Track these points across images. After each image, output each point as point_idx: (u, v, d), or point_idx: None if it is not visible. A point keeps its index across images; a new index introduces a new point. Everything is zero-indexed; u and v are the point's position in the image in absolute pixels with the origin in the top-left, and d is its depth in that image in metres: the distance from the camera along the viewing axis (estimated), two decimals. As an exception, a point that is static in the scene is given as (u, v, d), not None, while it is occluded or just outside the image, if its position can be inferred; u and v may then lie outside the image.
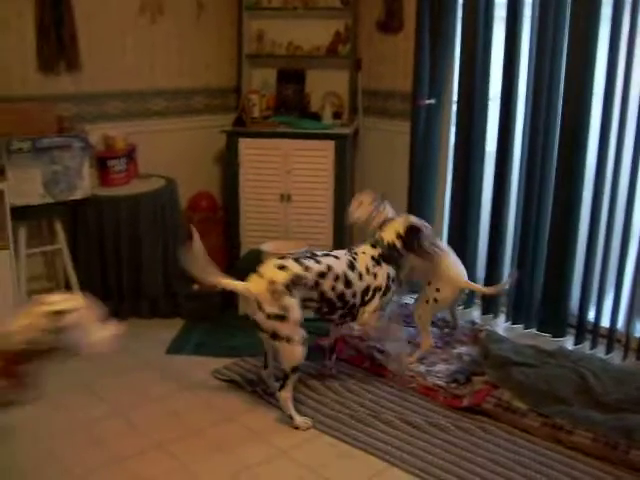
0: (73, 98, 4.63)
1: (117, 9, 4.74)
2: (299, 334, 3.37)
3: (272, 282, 3.37)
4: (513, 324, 4.56)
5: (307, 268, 3.46)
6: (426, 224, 3.87)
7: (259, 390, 3.71)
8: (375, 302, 3.66)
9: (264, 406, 3.60)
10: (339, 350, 4.14)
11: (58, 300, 2.45)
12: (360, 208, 4.12)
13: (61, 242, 4.44)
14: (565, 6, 3.98)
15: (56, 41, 4.41)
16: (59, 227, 4.42)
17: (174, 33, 5.08)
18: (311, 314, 3.65)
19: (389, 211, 4.09)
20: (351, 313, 3.67)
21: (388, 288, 3.70)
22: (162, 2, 4.94)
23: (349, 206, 4.19)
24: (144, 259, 4.55)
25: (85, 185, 4.38)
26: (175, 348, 4.24)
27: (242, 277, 4.62)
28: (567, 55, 4.02)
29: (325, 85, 5.36)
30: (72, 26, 4.44)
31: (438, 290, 4.00)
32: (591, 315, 4.23)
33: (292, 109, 5.34)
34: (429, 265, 3.94)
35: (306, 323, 4.52)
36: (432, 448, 3.20)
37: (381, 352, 4.06)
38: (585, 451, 3.17)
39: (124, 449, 3.21)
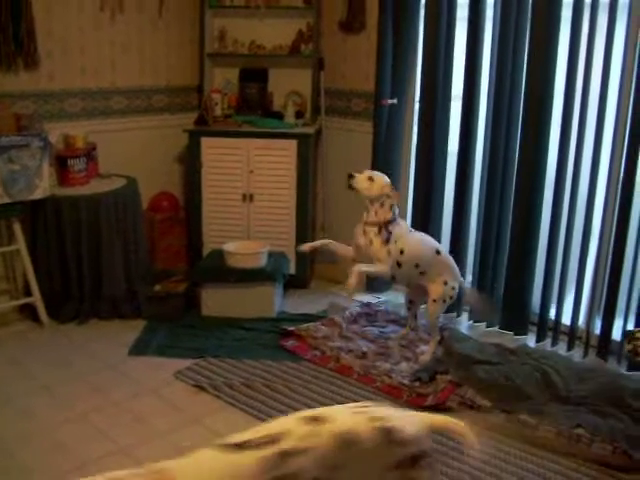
0: (32, 96, 4.54)
1: (77, 6, 4.66)
2: None
3: None
4: (476, 322, 4.60)
5: None
6: None
7: (222, 393, 3.68)
8: None
9: (228, 408, 3.57)
10: (303, 351, 4.14)
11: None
12: (371, 184, 3.94)
13: (20, 243, 4.35)
14: (526, 7, 4.03)
15: (13, 38, 4.31)
16: (18, 227, 4.34)
17: (135, 31, 5.02)
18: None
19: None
20: None
21: None
22: (123, -1, 4.88)
23: (354, 175, 3.98)
24: (105, 260, 4.49)
25: (44, 185, 4.30)
26: (137, 349, 4.18)
27: (204, 278, 4.61)
28: (528, 55, 4.07)
29: (288, 84, 5.34)
30: (30, 23, 4.35)
31: (446, 283, 4.01)
32: (552, 313, 4.29)
33: (254, 108, 5.31)
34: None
35: (273, 323, 4.53)
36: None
37: (348, 352, 4.08)
38: (549, 446, 3.21)
39: (87, 454, 3.16)
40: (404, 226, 4.03)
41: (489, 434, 3.32)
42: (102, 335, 4.35)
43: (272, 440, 1.83)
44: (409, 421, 2.01)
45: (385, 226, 3.90)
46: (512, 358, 3.86)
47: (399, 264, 3.93)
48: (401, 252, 3.91)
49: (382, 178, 3.96)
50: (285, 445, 1.81)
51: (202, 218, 5.09)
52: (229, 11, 5.26)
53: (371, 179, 3.93)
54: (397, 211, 3.99)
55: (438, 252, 4.03)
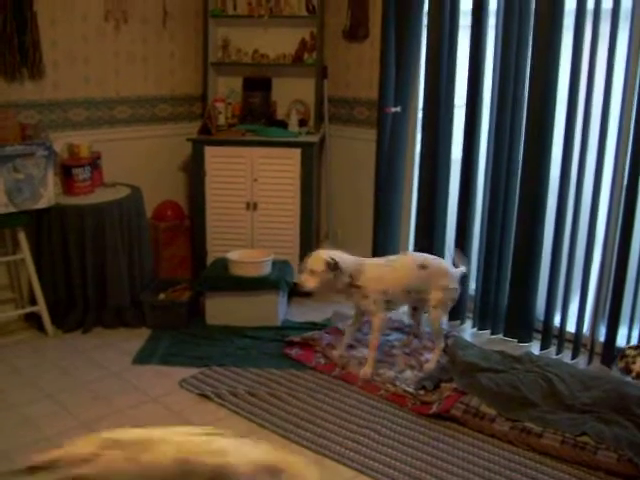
0: (36, 105, 4.56)
1: (81, 16, 4.69)
2: None
3: None
4: (480, 330, 4.59)
5: None
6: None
7: (226, 401, 3.68)
8: None
9: (232, 417, 3.57)
10: (307, 359, 4.14)
11: None
12: (313, 277, 3.80)
13: (25, 252, 4.36)
14: (529, 15, 4.03)
15: (19, 48, 4.34)
16: (22, 237, 4.35)
17: (139, 40, 5.04)
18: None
19: (347, 260, 3.87)
20: None
21: None
22: (127, 9, 4.89)
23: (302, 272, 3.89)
24: (109, 269, 4.50)
25: (49, 194, 4.32)
26: (141, 358, 4.19)
27: (209, 286, 4.61)
28: (531, 62, 4.07)
29: (291, 93, 5.36)
30: (35, 33, 4.38)
31: (444, 288, 3.96)
32: (557, 320, 4.28)
33: (258, 117, 5.33)
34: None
35: (277, 332, 4.53)
36: (401, 455, 3.20)
37: (352, 360, 4.08)
38: (554, 454, 3.20)
39: (91, 462, 3.16)
40: (372, 270, 3.91)
41: (494, 442, 3.33)
42: (106, 344, 4.36)
43: (66, 464, 1.58)
44: (246, 457, 1.83)
45: (355, 285, 3.87)
46: (516, 366, 3.84)
47: (390, 301, 3.96)
48: (384, 293, 3.90)
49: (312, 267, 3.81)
50: (83, 470, 1.57)
51: (206, 227, 5.10)
52: (232, 20, 5.28)
53: (313, 273, 3.78)
54: (349, 268, 3.83)
55: (423, 266, 3.95)
